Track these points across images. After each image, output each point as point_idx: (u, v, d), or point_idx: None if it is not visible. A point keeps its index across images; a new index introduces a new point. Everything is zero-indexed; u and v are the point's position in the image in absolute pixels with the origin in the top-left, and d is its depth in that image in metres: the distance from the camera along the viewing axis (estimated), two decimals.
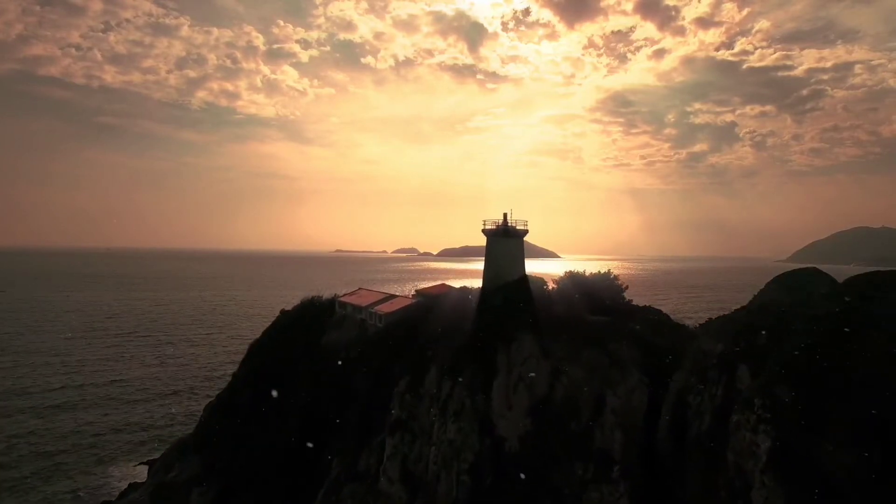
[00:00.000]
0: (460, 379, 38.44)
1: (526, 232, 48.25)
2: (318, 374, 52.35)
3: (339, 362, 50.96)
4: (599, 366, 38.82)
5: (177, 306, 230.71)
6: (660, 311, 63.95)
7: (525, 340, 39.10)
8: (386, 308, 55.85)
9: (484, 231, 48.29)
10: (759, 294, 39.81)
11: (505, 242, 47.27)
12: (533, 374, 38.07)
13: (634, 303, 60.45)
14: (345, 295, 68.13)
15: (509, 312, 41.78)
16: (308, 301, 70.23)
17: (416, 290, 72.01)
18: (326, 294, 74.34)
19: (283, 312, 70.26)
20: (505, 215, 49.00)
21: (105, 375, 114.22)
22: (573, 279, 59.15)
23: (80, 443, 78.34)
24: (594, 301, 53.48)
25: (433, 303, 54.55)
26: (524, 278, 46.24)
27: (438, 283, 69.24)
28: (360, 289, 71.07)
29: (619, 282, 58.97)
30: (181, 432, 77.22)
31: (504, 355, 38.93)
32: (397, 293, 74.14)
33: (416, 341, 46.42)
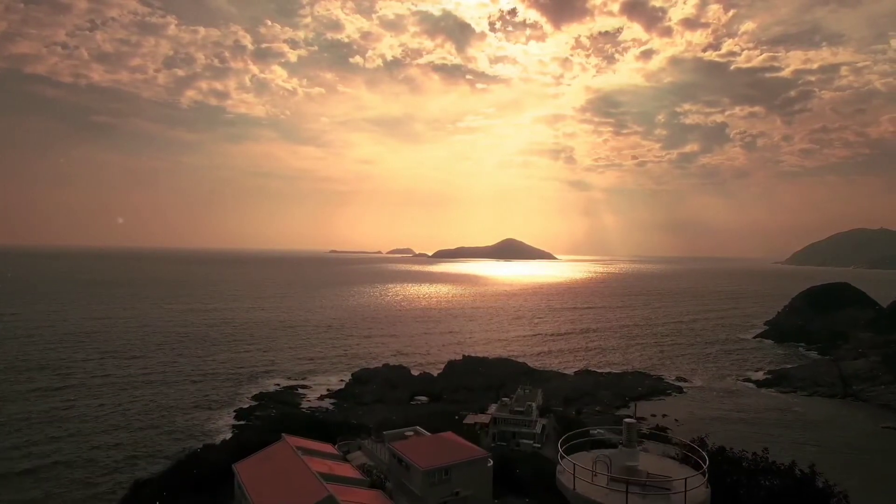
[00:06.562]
0: None
1: None
2: None
3: None
4: None
5: (132, 334, 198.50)
6: None
7: None
8: None
9: None
10: None
11: None
12: None
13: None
14: (250, 459, 37.79)
15: None
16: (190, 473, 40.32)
17: (384, 434, 42.34)
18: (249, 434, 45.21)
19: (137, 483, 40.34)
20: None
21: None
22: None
23: None
24: None
25: None
26: None
27: (427, 434, 39.90)
28: (282, 438, 40.18)
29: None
30: None
31: None
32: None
33: None
